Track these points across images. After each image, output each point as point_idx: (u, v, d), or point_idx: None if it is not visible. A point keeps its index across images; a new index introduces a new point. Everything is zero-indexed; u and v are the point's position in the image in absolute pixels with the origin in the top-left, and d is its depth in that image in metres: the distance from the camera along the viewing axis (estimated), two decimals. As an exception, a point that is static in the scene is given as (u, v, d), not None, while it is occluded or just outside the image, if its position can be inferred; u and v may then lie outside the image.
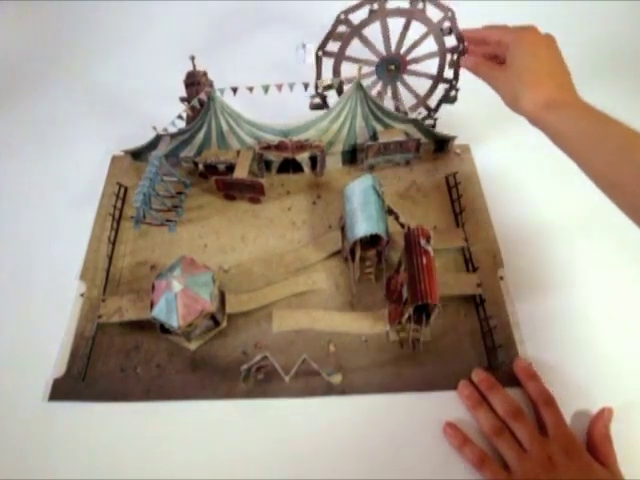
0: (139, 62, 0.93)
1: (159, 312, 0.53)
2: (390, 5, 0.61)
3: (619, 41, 0.92)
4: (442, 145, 0.76)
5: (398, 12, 0.62)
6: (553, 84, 0.52)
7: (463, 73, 0.67)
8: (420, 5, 0.62)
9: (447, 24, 0.64)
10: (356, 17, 0.62)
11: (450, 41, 0.65)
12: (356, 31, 0.62)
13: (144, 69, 0.91)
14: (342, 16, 0.61)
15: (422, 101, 0.73)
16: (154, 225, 0.69)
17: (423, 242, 0.53)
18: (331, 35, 0.63)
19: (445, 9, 0.62)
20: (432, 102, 0.74)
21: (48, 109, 0.86)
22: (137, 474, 0.51)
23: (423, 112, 0.74)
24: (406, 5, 0.62)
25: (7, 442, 0.53)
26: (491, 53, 0.60)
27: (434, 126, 0.75)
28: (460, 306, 0.60)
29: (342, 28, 0.62)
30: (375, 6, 0.61)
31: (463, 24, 0.63)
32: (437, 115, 0.74)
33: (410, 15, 0.63)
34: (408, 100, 0.73)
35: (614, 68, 0.87)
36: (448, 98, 0.73)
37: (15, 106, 0.87)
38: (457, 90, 0.71)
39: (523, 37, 0.54)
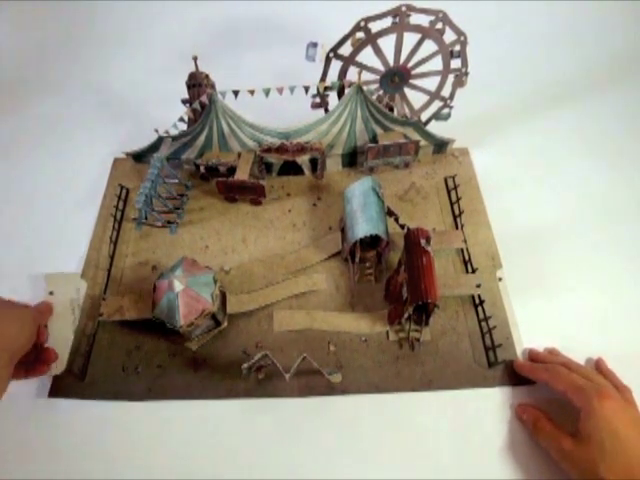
0: (141, 64, 0.94)
1: (161, 311, 0.54)
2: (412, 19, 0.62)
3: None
4: (441, 148, 0.77)
5: (416, 28, 0.63)
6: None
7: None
8: (439, 25, 0.63)
9: (457, 48, 0.65)
10: (373, 26, 0.62)
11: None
12: (372, 39, 0.63)
13: (146, 71, 0.92)
14: (362, 23, 0.61)
15: (416, 114, 0.74)
16: (156, 226, 0.70)
17: (423, 242, 0.53)
18: (347, 39, 0.63)
19: (459, 33, 0.63)
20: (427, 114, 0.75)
21: (51, 112, 0.87)
22: (137, 473, 0.51)
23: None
24: (426, 23, 0.62)
25: (6, 437, 0.54)
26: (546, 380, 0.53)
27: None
28: (459, 307, 0.61)
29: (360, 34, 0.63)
30: (397, 19, 0.62)
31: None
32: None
33: (427, 33, 0.63)
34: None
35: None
36: (440, 115, 0.74)
37: (18, 109, 0.88)
38: (451, 108, 0.73)
39: (600, 409, 0.46)
